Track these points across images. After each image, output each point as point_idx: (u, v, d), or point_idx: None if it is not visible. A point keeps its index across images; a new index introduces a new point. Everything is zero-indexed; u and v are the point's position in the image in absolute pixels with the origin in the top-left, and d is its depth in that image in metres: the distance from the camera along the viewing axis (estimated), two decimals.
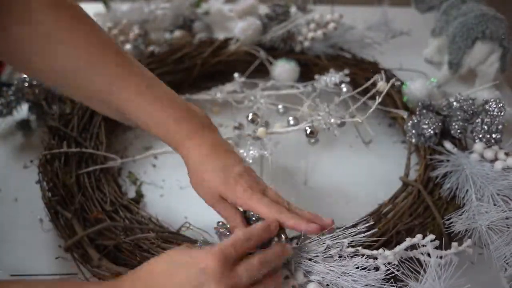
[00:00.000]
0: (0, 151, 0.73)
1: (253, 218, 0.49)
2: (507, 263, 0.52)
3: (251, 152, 0.61)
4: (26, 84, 0.71)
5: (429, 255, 0.46)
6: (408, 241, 0.46)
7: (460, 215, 0.56)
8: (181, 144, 0.51)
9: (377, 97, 0.61)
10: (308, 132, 0.61)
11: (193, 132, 0.50)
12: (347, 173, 0.72)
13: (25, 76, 0.72)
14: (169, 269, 0.40)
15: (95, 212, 0.57)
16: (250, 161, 0.60)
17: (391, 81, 0.63)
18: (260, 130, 0.62)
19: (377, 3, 0.95)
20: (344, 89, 0.70)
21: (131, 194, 0.67)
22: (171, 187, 0.69)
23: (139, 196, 0.66)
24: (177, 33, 0.93)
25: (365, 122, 0.65)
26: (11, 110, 0.73)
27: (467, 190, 0.59)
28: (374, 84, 0.68)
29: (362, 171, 0.72)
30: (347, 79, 0.71)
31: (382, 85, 0.65)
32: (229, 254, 0.40)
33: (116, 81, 0.50)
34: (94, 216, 0.57)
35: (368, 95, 0.64)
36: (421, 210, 0.58)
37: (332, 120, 0.60)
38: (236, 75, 0.77)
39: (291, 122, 0.65)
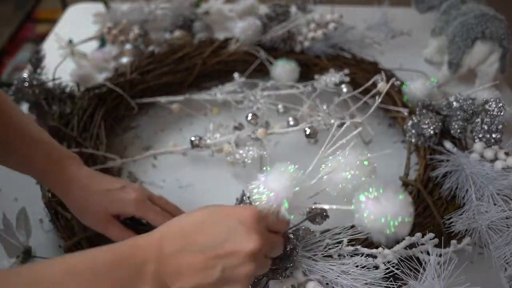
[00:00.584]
0: None
1: None
2: (507, 263, 0.52)
3: (250, 152, 0.61)
4: (26, 84, 0.71)
5: (428, 253, 0.46)
6: (408, 240, 0.46)
7: (460, 214, 0.56)
8: (56, 183, 0.53)
9: (377, 97, 0.61)
10: (307, 133, 0.61)
11: (65, 169, 0.53)
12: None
13: (25, 76, 0.72)
14: (211, 217, 0.41)
15: None
16: (249, 161, 0.60)
17: (391, 81, 0.63)
18: (260, 131, 0.62)
19: (377, 3, 0.95)
20: (344, 90, 0.70)
21: None
22: (171, 187, 0.69)
23: None
24: (177, 33, 0.93)
25: (365, 123, 0.65)
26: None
27: (467, 190, 0.59)
28: (374, 85, 0.68)
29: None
30: (347, 79, 0.71)
31: (382, 86, 0.65)
32: (265, 217, 0.41)
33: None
34: None
35: (368, 96, 0.65)
36: (421, 209, 0.58)
37: (332, 121, 0.60)
38: (236, 75, 0.77)
39: (291, 123, 0.65)
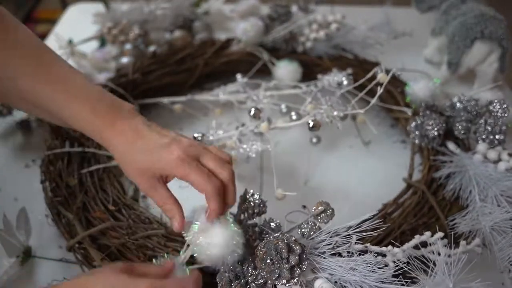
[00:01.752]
0: (0, 151, 0.72)
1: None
2: (511, 264, 0.52)
3: (254, 146, 0.61)
4: None
5: (438, 253, 0.45)
6: (417, 238, 0.46)
7: (464, 216, 0.56)
8: (103, 135, 0.49)
9: (378, 88, 0.60)
10: (310, 125, 0.59)
11: (112, 120, 0.48)
12: (347, 173, 0.72)
13: None
14: None
15: (97, 212, 0.57)
16: (254, 155, 0.60)
17: (392, 71, 0.62)
18: (263, 125, 0.62)
19: (378, 3, 0.95)
20: (345, 82, 0.69)
21: (132, 193, 0.66)
22: (171, 187, 0.68)
23: (138, 194, 0.66)
24: (177, 33, 0.93)
25: (367, 121, 0.64)
26: (11, 110, 0.73)
27: (470, 191, 0.59)
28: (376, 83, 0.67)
29: (363, 171, 0.72)
30: (350, 78, 0.71)
31: (383, 77, 0.64)
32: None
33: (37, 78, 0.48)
34: (96, 215, 0.56)
35: (369, 87, 0.63)
36: (425, 210, 0.58)
37: (335, 113, 0.59)
38: (238, 76, 0.77)
39: (294, 117, 0.64)
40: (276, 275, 0.42)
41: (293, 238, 0.44)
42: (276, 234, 0.46)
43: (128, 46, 0.89)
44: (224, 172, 0.48)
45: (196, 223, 0.47)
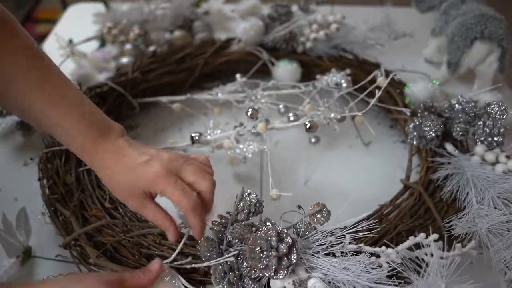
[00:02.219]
0: (0, 151, 0.72)
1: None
2: (507, 267, 0.52)
3: (250, 147, 0.61)
4: None
5: (431, 255, 0.45)
6: (411, 240, 0.46)
7: (460, 218, 0.56)
8: (84, 156, 0.50)
9: (377, 91, 0.60)
10: (307, 126, 0.60)
11: (96, 142, 0.49)
12: (347, 173, 0.72)
13: None
14: None
15: (93, 210, 0.57)
16: (250, 155, 0.60)
17: (391, 75, 0.62)
18: (260, 125, 0.62)
19: (378, 4, 0.95)
20: (344, 85, 0.69)
21: None
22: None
23: None
24: (177, 33, 0.93)
25: (366, 122, 0.64)
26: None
27: (467, 193, 0.59)
28: (374, 83, 0.67)
29: (362, 171, 0.72)
30: (349, 78, 0.71)
31: (382, 80, 0.64)
32: None
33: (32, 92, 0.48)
34: (92, 213, 0.57)
35: (368, 90, 0.63)
36: (422, 212, 0.58)
37: (332, 115, 0.60)
38: (238, 75, 0.77)
39: (291, 118, 0.64)
40: (263, 266, 0.42)
41: (285, 230, 0.44)
42: (268, 224, 0.46)
43: (128, 46, 0.89)
44: (204, 183, 0.49)
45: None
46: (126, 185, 0.48)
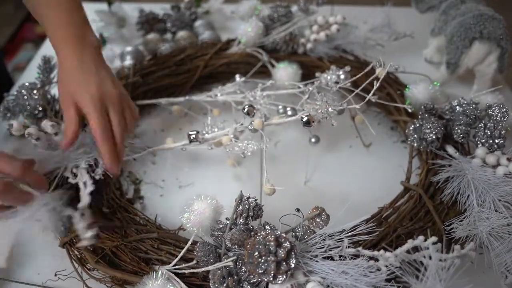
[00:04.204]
0: None
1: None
2: (507, 270, 0.51)
3: (249, 145, 0.61)
4: (35, 91, 0.71)
5: (430, 257, 0.45)
6: (410, 243, 0.45)
7: (461, 220, 0.55)
8: (59, 48, 0.57)
9: (375, 82, 0.59)
10: (304, 120, 0.59)
11: (72, 41, 0.57)
12: (347, 173, 0.71)
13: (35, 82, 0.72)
14: None
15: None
16: (249, 154, 0.60)
17: (389, 65, 0.60)
18: (257, 121, 0.61)
19: (379, 4, 0.94)
20: (342, 76, 0.68)
21: (132, 194, 0.67)
22: (171, 187, 0.69)
23: (137, 196, 0.66)
24: (182, 33, 0.93)
25: (366, 121, 0.64)
26: (15, 114, 0.73)
27: (468, 196, 0.58)
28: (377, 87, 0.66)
29: (362, 172, 0.72)
30: (348, 76, 0.70)
31: (380, 71, 0.63)
32: None
33: None
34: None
35: (366, 82, 0.61)
36: (422, 214, 0.57)
37: (330, 109, 0.59)
38: (237, 76, 0.77)
39: (289, 113, 0.64)
40: (262, 271, 0.42)
41: (284, 235, 0.43)
42: (267, 227, 0.46)
43: (128, 48, 0.89)
44: (125, 119, 0.58)
45: None
46: (66, 88, 0.56)
